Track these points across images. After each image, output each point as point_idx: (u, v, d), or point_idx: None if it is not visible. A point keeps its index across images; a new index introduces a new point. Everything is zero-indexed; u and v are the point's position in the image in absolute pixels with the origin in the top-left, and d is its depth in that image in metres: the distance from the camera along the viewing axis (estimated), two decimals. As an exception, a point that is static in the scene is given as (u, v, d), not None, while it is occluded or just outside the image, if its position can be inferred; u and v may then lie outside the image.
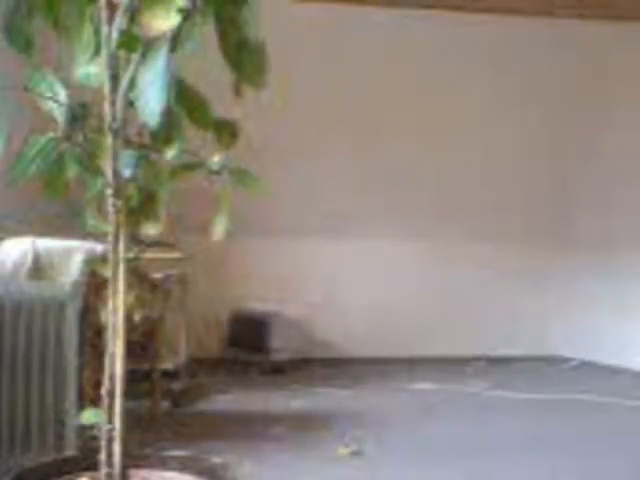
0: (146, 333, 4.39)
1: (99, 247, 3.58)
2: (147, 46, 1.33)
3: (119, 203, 1.46)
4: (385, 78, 6.43)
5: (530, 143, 7.04)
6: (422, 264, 7.36)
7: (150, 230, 1.52)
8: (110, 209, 1.47)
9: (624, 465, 3.75)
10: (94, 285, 3.56)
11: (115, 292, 1.50)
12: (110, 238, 1.48)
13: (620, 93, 6.67)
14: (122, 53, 1.40)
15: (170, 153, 1.42)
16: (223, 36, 1.42)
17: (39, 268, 3.47)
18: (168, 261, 5.10)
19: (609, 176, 6.97)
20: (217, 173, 1.54)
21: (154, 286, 4.40)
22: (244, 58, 1.44)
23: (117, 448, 1.47)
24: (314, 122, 6.59)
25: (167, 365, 4.88)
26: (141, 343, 4.39)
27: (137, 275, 4.08)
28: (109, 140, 1.44)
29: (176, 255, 5.17)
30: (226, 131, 1.54)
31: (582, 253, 7.26)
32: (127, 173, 1.42)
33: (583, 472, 3.62)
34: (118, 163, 1.44)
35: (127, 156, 1.44)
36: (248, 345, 6.51)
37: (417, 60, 6.38)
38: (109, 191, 1.46)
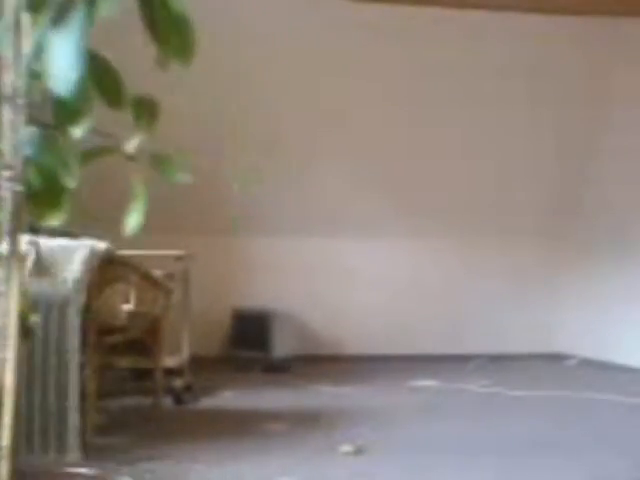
0: (148, 331, 4.40)
1: (102, 245, 3.59)
2: (59, 9, 1.21)
3: (18, 188, 1.31)
4: (385, 77, 6.43)
5: (535, 143, 7.03)
6: (423, 262, 7.37)
7: (52, 220, 1.37)
8: (7, 194, 1.31)
9: (624, 463, 3.75)
10: (96, 283, 3.57)
11: (9, 290, 1.32)
12: (5, 228, 1.32)
13: (621, 92, 6.67)
14: (27, 16, 1.26)
15: (78, 132, 1.28)
16: (145, 6, 1.28)
17: (41, 266, 3.48)
18: (170, 259, 5.11)
19: (611, 176, 6.97)
20: (133, 158, 1.39)
21: (156, 284, 4.40)
22: (169, 31, 1.30)
23: (4, 468, 1.31)
24: (314, 122, 6.60)
25: (169, 363, 4.90)
26: (143, 341, 4.40)
27: (138, 272, 4.08)
28: (8, 114, 1.29)
29: (178, 253, 5.19)
30: (145, 110, 1.40)
31: (582, 252, 7.27)
32: (27, 152, 1.29)
33: (583, 470, 3.63)
34: (18, 141, 1.29)
35: (28, 133, 1.30)
36: (250, 343, 6.52)
37: (419, 59, 6.37)
38: (6, 173, 1.31)
